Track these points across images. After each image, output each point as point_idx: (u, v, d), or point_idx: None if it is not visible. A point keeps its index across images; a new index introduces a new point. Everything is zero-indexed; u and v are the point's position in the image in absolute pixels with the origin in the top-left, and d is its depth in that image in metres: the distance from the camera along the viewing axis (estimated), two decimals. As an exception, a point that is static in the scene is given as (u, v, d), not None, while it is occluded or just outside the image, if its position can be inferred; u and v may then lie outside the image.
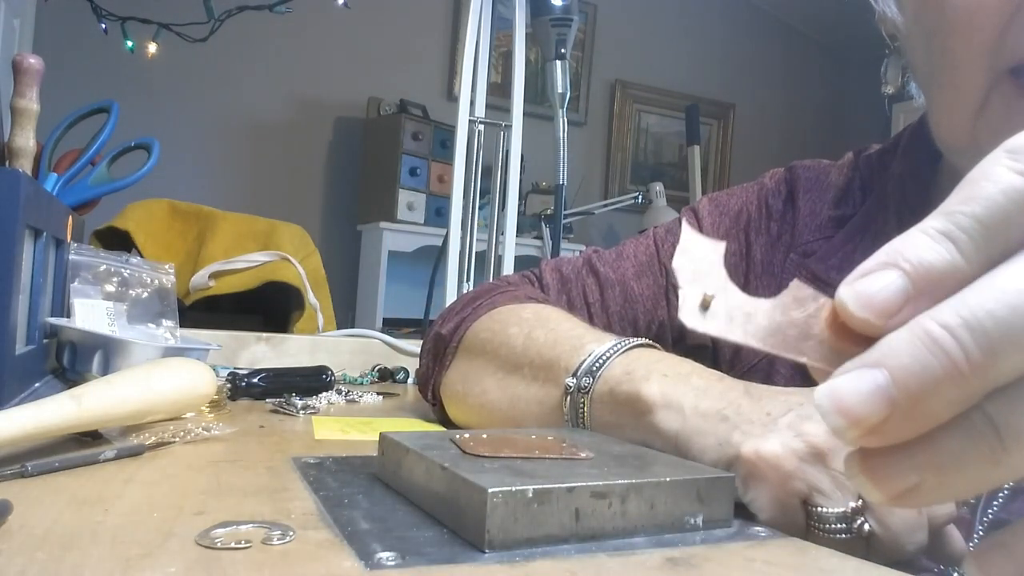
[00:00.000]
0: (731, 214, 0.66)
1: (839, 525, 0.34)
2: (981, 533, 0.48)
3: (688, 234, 0.22)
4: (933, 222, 0.19)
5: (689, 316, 0.21)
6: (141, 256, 1.09)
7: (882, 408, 0.18)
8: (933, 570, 0.48)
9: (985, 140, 0.47)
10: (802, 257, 0.61)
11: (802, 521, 0.35)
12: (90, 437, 0.44)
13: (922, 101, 0.56)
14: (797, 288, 0.21)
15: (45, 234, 0.61)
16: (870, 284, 0.19)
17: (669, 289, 0.65)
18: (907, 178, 0.58)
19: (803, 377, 0.59)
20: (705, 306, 0.21)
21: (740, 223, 0.66)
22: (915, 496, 0.18)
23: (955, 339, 0.17)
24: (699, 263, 0.21)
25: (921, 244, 0.19)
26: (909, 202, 0.57)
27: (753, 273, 0.63)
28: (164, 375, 0.49)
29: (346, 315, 3.10)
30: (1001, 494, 0.48)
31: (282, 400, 0.64)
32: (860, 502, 0.34)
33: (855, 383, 0.18)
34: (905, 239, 0.19)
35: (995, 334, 0.17)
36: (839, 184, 0.63)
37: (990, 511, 0.48)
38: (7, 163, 0.80)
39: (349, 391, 0.73)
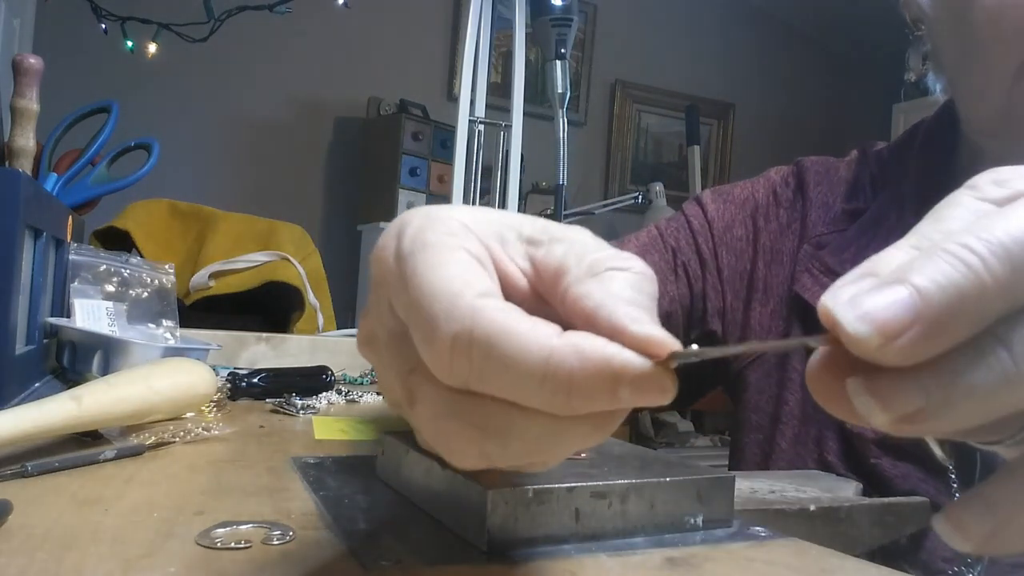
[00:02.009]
0: (736, 202, 0.66)
1: None
2: None
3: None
4: (903, 241, 0.20)
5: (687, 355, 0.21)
6: (141, 256, 1.09)
7: (907, 317, 0.18)
8: (948, 572, 0.48)
9: (1022, 112, 0.47)
10: (815, 249, 0.61)
11: None
12: (90, 437, 0.44)
13: (939, 94, 0.56)
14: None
15: (45, 234, 0.61)
16: (847, 286, 0.19)
17: (677, 266, 0.65)
18: (925, 174, 0.58)
19: None
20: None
21: (747, 210, 0.66)
22: (922, 419, 0.18)
23: (976, 255, 0.18)
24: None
25: (893, 254, 0.20)
26: (927, 199, 0.57)
27: (762, 260, 0.63)
28: (164, 375, 0.49)
29: (346, 315, 3.10)
30: None
31: (282, 400, 0.64)
32: None
33: (878, 294, 0.18)
34: (878, 255, 0.20)
35: (1015, 250, 0.18)
36: (848, 179, 0.63)
37: None
38: (7, 163, 0.80)
39: (349, 391, 0.73)
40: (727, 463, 0.68)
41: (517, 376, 0.19)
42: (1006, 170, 0.21)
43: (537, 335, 0.19)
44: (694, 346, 0.20)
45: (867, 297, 0.18)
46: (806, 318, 0.58)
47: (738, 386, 0.64)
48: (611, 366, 0.18)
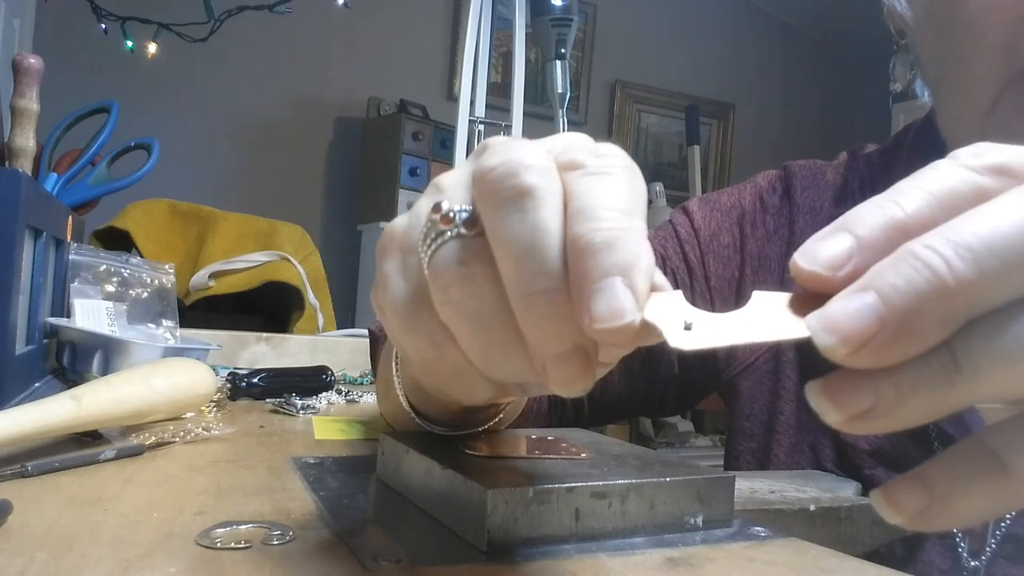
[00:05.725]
0: (723, 209, 0.66)
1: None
2: (993, 546, 0.48)
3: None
4: (881, 197, 0.21)
5: (675, 339, 0.21)
6: (141, 256, 1.09)
7: (871, 324, 0.18)
8: None
9: (995, 139, 0.46)
10: None
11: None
12: (90, 437, 0.44)
13: (927, 99, 0.55)
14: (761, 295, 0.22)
15: (45, 234, 0.61)
16: (818, 243, 0.20)
17: (666, 274, 0.64)
18: None
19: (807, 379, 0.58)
20: (687, 327, 0.21)
21: (733, 216, 0.65)
22: (872, 417, 0.19)
23: (940, 256, 0.18)
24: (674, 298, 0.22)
25: (864, 208, 0.20)
26: None
27: (749, 267, 0.63)
28: (164, 375, 0.49)
29: (346, 315, 3.10)
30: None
31: (282, 400, 0.64)
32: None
33: (844, 303, 0.19)
34: (854, 211, 0.20)
35: (980, 250, 0.18)
36: (837, 184, 0.62)
37: (1003, 524, 0.48)
38: (7, 163, 0.80)
39: (349, 391, 0.73)
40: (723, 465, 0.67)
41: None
42: (984, 145, 0.22)
43: None
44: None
45: (833, 307, 0.19)
46: None
47: (730, 394, 0.63)
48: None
